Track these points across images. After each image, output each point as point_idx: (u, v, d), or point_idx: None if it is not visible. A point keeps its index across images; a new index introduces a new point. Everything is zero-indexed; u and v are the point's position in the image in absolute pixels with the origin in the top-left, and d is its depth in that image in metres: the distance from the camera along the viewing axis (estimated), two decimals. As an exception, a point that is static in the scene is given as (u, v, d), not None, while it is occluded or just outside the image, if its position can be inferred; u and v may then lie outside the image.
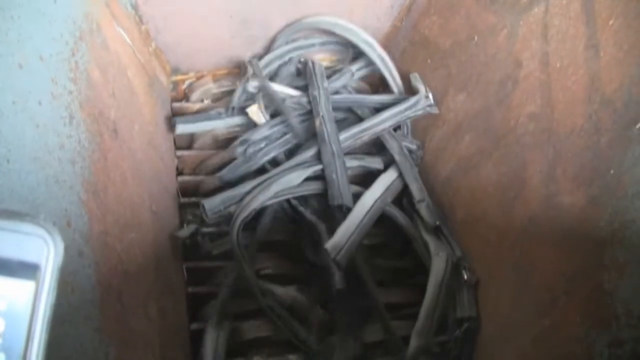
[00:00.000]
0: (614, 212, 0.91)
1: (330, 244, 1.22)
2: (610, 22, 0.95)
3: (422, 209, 1.35)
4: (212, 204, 1.30)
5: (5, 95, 0.75)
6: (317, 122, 1.38)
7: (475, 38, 1.27)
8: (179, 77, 1.58)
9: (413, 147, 1.44)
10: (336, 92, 1.51)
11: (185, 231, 1.30)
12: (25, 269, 0.38)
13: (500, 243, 1.17)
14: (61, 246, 0.39)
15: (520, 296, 1.10)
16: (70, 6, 1.02)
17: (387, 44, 1.61)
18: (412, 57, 1.52)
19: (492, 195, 1.20)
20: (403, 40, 1.56)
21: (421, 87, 1.43)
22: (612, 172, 0.93)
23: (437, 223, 1.32)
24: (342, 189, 1.32)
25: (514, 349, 1.10)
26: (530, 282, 1.08)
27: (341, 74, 1.52)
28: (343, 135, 1.38)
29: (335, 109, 1.44)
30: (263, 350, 1.23)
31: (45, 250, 0.38)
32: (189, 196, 1.41)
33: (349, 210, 1.30)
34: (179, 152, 1.44)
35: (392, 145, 1.40)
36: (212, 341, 1.17)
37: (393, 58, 1.59)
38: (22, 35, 0.83)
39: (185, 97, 1.57)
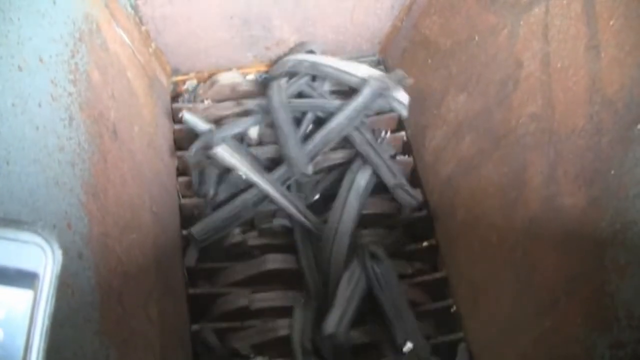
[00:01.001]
0: (615, 213, 0.91)
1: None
2: (611, 23, 0.95)
3: (399, 195, 1.36)
4: (199, 231, 1.31)
5: (5, 97, 0.75)
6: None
7: (476, 38, 1.27)
8: (179, 78, 1.57)
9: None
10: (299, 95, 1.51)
11: (191, 258, 1.30)
12: (23, 278, 0.38)
13: (500, 244, 1.17)
14: (59, 254, 0.39)
15: (521, 297, 1.10)
16: (69, 7, 1.01)
17: (388, 44, 1.61)
18: (413, 57, 1.52)
19: (493, 195, 1.20)
20: (403, 40, 1.56)
21: (393, 78, 1.43)
22: (613, 172, 0.92)
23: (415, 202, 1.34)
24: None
25: (514, 350, 1.11)
26: (531, 283, 1.08)
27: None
28: (310, 145, 1.38)
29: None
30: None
31: (44, 258, 0.38)
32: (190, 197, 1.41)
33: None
34: (179, 153, 1.44)
35: (355, 138, 1.41)
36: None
37: (393, 58, 1.59)
38: (21, 36, 0.83)
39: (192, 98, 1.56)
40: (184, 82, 1.58)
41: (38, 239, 0.38)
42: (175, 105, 1.51)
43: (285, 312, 1.27)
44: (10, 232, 0.38)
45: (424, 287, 1.34)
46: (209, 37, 1.50)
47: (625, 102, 0.92)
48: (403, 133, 1.52)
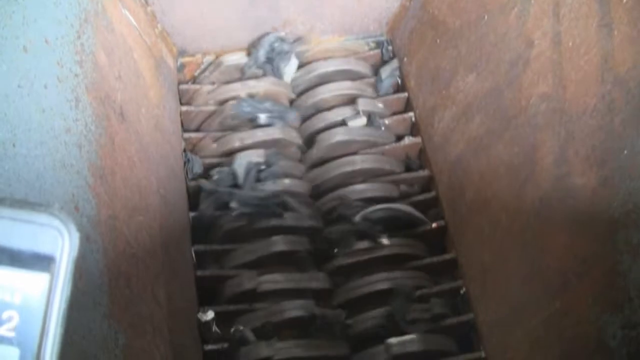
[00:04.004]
0: (628, 193, 0.90)
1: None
2: (624, 0, 0.93)
3: None
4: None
5: (11, 79, 0.75)
6: None
7: (485, 17, 1.25)
8: (186, 59, 1.56)
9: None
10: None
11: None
12: (39, 261, 0.37)
13: (510, 224, 1.16)
14: (76, 237, 0.37)
15: (531, 278, 1.10)
16: (75, -12, 1.01)
17: (396, 24, 1.60)
18: (421, 37, 1.50)
19: (503, 176, 1.19)
20: (412, 20, 1.54)
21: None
22: (625, 152, 0.92)
23: None
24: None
25: (525, 331, 1.10)
26: (541, 264, 1.08)
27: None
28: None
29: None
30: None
31: (60, 241, 0.37)
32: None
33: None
34: (186, 135, 1.43)
35: None
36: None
37: (401, 38, 1.57)
38: (26, 18, 0.82)
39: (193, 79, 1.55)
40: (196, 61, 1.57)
41: (54, 221, 0.37)
42: (182, 86, 1.50)
43: (293, 294, 1.27)
44: (25, 214, 0.37)
45: (433, 269, 1.33)
46: (216, 17, 1.48)
47: (637, 81, 0.91)
48: (411, 114, 1.51)
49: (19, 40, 0.79)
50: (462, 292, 1.29)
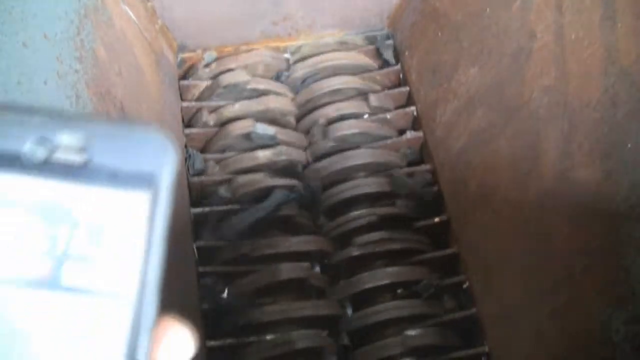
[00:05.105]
0: (632, 187, 0.90)
1: None
2: (628, -8, 0.93)
3: None
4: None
5: (10, 74, 0.74)
6: None
7: (488, 10, 1.24)
8: (187, 55, 1.56)
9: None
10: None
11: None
12: (139, 180, 0.34)
13: (513, 218, 1.16)
14: (177, 154, 0.35)
15: (535, 272, 1.09)
16: (74, -17, 1.00)
17: (397, 17, 1.59)
18: (422, 30, 1.50)
19: (506, 169, 1.19)
20: (413, 13, 1.54)
21: None
22: (629, 146, 0.91)
23: None
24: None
25: (528, 325, 1.10)
26: (545, 258, 1.07)
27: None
28: None
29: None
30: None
31: (161, 157, 0.35)
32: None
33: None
34: (187, 130, 1.42)
35: None
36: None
37: (402, 32, 1.57)
38: (25, 13, 0.81)
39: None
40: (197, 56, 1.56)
41: (154, 136, 0.35)
42: (183, 82, 1.50)
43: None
44: (123, 130, 0.35)
45: (435, 264, 1.33)
46: (216, 12, 1.48)
47: (641, 74, 0.90)
48: (413, 108, 1.50)
49: (18, 36, 0.78)
50: (465, 286, 1.29)
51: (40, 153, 0.34)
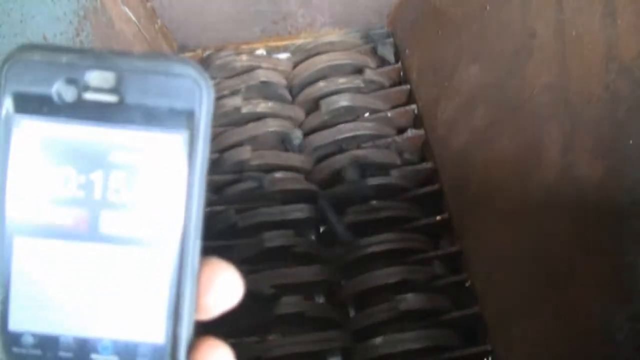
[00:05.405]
0: (634, 183, 0.89)
1: None
2: (628, -12, 0.92)
3: None
4: None
5: (9, 77, 0.74)
6: None
7: (488, 7, 1.24)
8: (187, 54, 1.56)
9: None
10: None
11: None
12: (177, 118, 0.32)
13: (515, 215, 1.16)
14: (213, 90, 0.33)
15: (537, 270, 1.09)
16: (73, -16, 1.00)
17: (397, 15, 1.59)
18: (422, 28, 1.49)
19: (507, 167, 1.18)
20: (413, 12, 1.54)
21: None
22: (631, 142, 0.91)
23: None
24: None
25: (531, 324, 1.10)
26: (547, 255, 1.07)
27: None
28: None
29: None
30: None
31: (198, 93, 0.32)
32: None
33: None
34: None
35: None
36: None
37: (402, 30, 1.56)
38: (24, 15, 0.81)
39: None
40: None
41: (190, 71, 0.32)
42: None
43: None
44: (157, 65, 0.32)
45: (438, 262, 1.33)
46: (215, 12, 1.48)
47: (642, 70, 0.90)
48: (414, 106, 1.50)
49: (17, 37, 0.78)
50: (467, 284, 1.28)
51: (69, 94, 0.32)
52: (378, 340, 1.21)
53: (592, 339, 0.96)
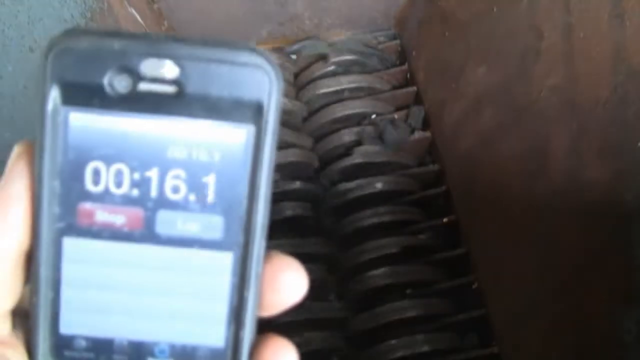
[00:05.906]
0: (642, 186, 0.89)
1: None
2: (636, -10, 0.92)
3: None
4: None
5: (16, 79, 0.74)
6: None
7: (495, 9, 1.24)
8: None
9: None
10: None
11: None
12: (243, 110, 0.30)
13: (522, 218, 1.15)
14: (282, 80, 0.30)
15: (544, 272, 1.09)
16: (80, -14, 1.00)
17: (403, 17, 1.59)
18: (429, 30, 1.49)
19: (514, 169, 1.18)
20: (419, 13, 1.53)
21: None
22: (639, 145, 0.90)
23: None
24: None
25: (538, 326, 1.09)
26: (554, 258, 1.07)
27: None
28: None
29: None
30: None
31: (267, 84, 0.30)
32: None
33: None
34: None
35: None
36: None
37: (409, 32, 1.56)
38: (31, 17, 0.81)
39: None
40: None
41: (258, 59, 0.29)
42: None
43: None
44: (220, 54, 0.29)
45: (445, 264, 1.32)
46: (222, 13, 1.48)
47: (651, 72, 0.90)
48: (421, 107, 1.49)
49: (24, 40, 0.78)
50: (474, 286, 1.28)
51: (123, 85, 0.30)
52: (391, 342, 1.21)
53: (600, 341, 0.96)
